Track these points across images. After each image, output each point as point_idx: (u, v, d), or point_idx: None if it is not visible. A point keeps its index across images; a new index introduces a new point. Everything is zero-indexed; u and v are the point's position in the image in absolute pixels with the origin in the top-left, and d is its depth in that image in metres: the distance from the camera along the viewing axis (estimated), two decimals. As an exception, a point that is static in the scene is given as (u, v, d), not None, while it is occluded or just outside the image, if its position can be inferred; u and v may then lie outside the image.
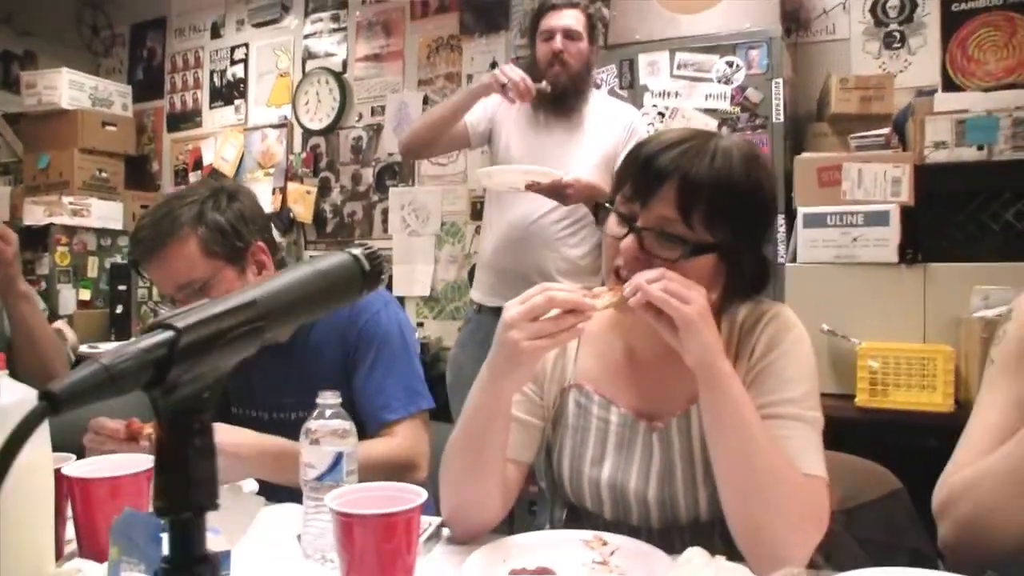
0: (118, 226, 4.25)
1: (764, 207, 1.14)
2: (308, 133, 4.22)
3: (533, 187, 2.29)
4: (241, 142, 4.40)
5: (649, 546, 1.08)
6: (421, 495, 0.99)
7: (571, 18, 2.47)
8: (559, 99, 2.48)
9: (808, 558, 1.02)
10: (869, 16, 3.13)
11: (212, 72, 4.56)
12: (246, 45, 4.45)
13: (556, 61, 2.44)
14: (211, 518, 0.53)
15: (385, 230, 4.02)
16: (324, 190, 4.19)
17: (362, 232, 4.11)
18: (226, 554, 0.86)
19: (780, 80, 2.74)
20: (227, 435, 1.30)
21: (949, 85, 3.00)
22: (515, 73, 2.34)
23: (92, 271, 4.12)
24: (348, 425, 1.14)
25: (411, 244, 3.91)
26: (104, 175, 4.28)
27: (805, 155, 2.68)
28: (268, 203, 4.25)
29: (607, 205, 1.14)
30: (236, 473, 1.29)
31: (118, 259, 4.22)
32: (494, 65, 3.53)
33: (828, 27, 3.19)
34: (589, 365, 1.25)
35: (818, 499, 1.04)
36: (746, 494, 1.02)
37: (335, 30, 4.19)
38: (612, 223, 1.13)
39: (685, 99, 2.87)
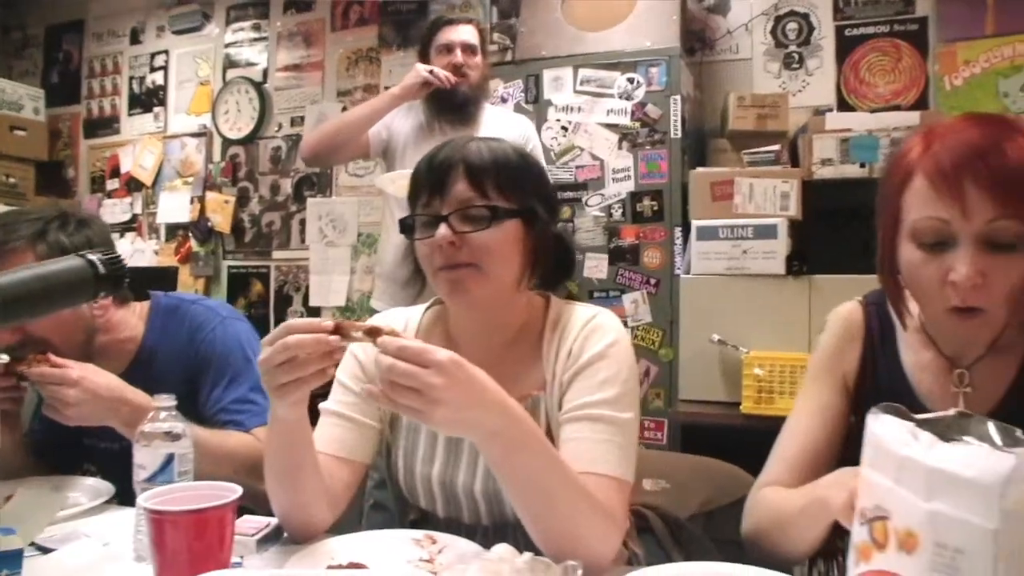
0: (28, 233, 4.13)
1: (544, 180, 1.23)
2: (227, 142, 4.18)
3: None
4: (160, 150, 4.34)
5: (477, 546, 1.09)
6: (235, 492, 0.98)
7: (468, 33, 2.53)
8: (459, 109, 2.51)
9: (613, 555, 1.05)
10: (770, 37, 3.25)
11: (131, 78, 4.49)
12: (166, 52, 4.40)
13: (457, 74, 2.48)
14: (6, 517, 0.53)
15: (303, 240, 4.00)
16: (243, 200, 4.16)
17: (280, 242, 4.08)
18: (16, 553, 0.86)
19: (678, 97, 2.82)
20: (92, 374, 1.31)
21: (843, 105, 3.13)
22: (439, 71, 2.44)
23: (0, 279, 4.01)
24: (181, 427, 1.14)
25: (328, 254, 3.91)
26: (12, 181, 4.17)
27: (700, 170, 2.76)
28: (187, 212, 4.20)
29: (409, 221, 1.18)
30: (90, 413, 1.29)
31: (28, 267, 4.11)
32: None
33: (732, 47, 3.29)
34: None
35: (612, 500, 1.06)
36: (538, 516, 1.03)
37: (256, 39, 4.17)
38: (421, 232, 1.16)
39: (588, 114, 2.93)
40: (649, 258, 2.84)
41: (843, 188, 2.63)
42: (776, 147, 2.72)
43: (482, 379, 0.95)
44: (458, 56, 2.49)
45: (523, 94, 3.04)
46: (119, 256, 0.66)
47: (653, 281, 2.83)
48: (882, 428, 0.61)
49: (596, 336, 1.18)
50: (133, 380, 1.45)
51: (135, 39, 4.49)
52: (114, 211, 4.42)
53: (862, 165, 2.63)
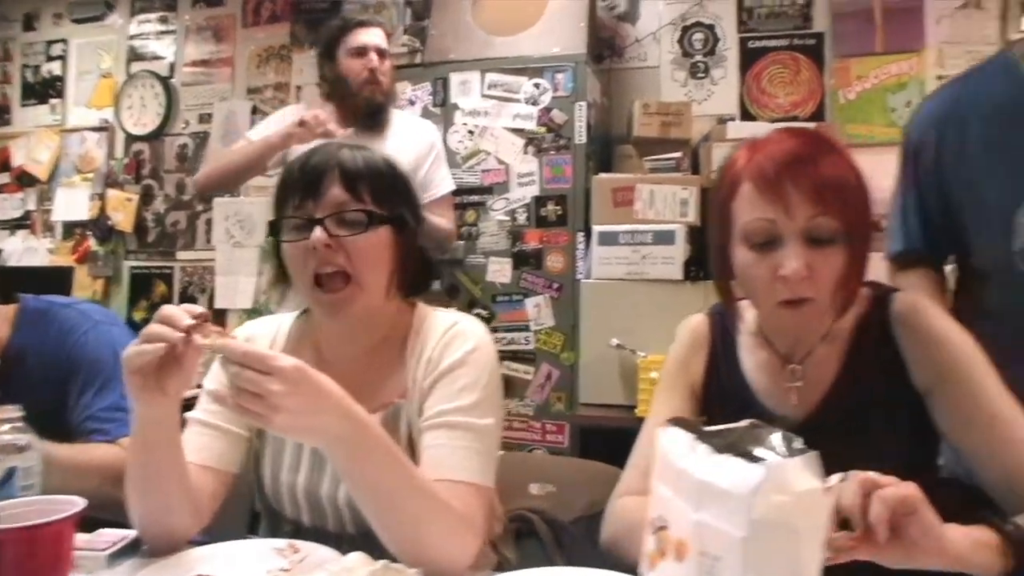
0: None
1: (411, 189, 1.26)
2: (131, 138, 4.04)
3: None
4: (57, 144, 4.17)
5: (339, 554, 1.07)
6: (74, 506, 0.94)
7: (379, 36, 2.48)
8: (371, 116, 2.47)
9: (469, 560, 1.05)
10: (677, 47, 3.31)
11: (24, 67, 4.29)
12: (64, 41, 4.22)
13: (371, 79, 2.43)
14: None
15: (209, 241, 3.89)
16: (147, 198, 4.02)
17: (185, 242, 3.96)
18: None
19: (584, 103, 2.84)
20: None
21: (746, 114, 3.21)
22: (320, 115, 2.32)
23: None
24: (25, 440, 1.09)
25: (235, 256, 3.80)
26: None
27: (602, 176, 2.79)
28: (86, 210, 4.04)
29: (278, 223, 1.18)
30: None
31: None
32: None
33: (641, 55, 3.34)
34: None
35: (470, 506, 1.07)
36: (386, 522, 1.02)
37: (163, 32, 4.04)
38: (293, 235, 1.15)
39: (494, 118, 2.93)
40: (552, 262, 2.85)
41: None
42: (677, 154, 2.77)
43: (326, 386, 0.94)
44: (374, 60, 2.43)
45: (431, 97, 3.02)
46: None
47: (556, 285, 2.84)
48: (667, 440, 0.61)
49: (456, 343, 1.19)
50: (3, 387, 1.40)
51: (28, 26, 4.30)
52: (3, 207, 4.22)
53: (758, 174, 2.69)
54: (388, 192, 1.18)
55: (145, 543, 1.15)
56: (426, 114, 3.00)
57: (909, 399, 1.05)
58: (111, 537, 1.14)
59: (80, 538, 1.07)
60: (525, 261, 2.89)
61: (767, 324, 1.15)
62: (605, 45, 3.32)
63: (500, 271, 2.91)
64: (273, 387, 0.88)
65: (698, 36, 3.28)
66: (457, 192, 2.91)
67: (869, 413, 1.07)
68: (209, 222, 3.90)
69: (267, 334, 1.31)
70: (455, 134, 2.97)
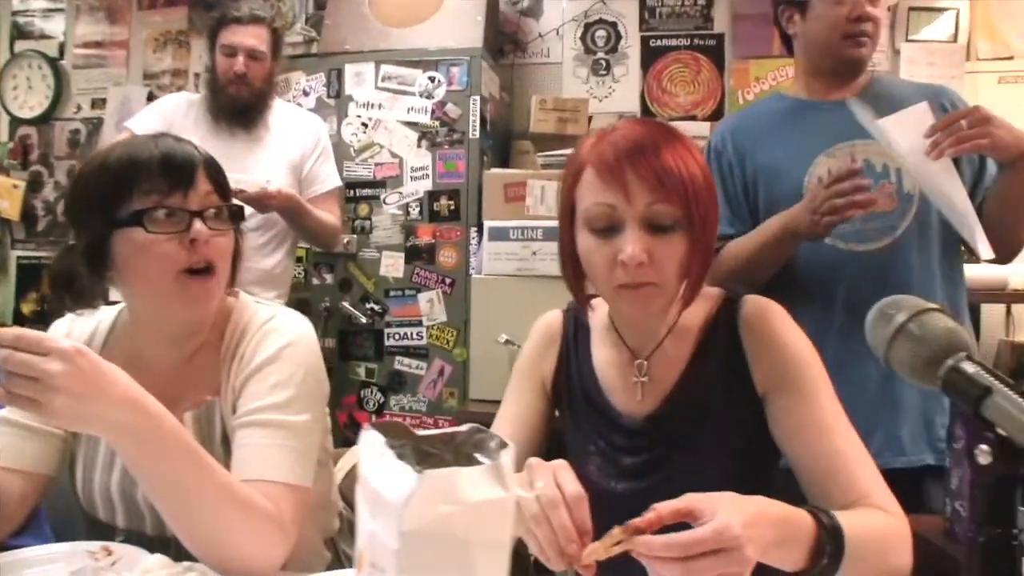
0: None
1: None
2: (17, 122, 3.85)
3: (236, 193, 2.19)
4: (-66, 126, 3.95)
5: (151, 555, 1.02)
6: None
7: (255, 37, 2.36)
8: (238, 115, 2.38)
9: (277, 561, 1.01)
10: (580, 43, 3.30)
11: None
12: (-57, 16, 4.01)
13: (238, 80, 2.34)
14: None
15: (101, 231, 3.74)
16: (35, 185, 3.83)
17: (76, 232, 3.79)
18: None
19: (478, 97, 2.80)
20: None
21: (647, 112, 3.21)
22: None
23: None
24: None
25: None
26: None
27: (493, 171, 2.76)
28: (-30, 196, 3.84)
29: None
30: None
31: None
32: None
33: (543, 51, 3.32)
34: None
35: (281, 506, 1.03)
36: (181, 522, 0.99)
37: (51, 10, 3.86)
38: (161, 225, 1.07)
39: (388, 111, 2.87)
40: (445, 258, 2.81)
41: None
42: (570, 151, 2.74)
43: (110, 372, 0.90)
44: (239, 64, 2.33)
45: (325, 88, 2.94)
46: None
47: (448, 281, 2.80)
48: (363, 444, 0.58)
49: (270, 339, 1.16)
50: None
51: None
52: None
53: (650, 172, 2.70)
54: (227, 186, 1.17)
55: None
56: (320, 105, 2.93)
57: (750, 401, 1.06)
58: None
59: None
60: (418, 256, 2.85)
61: (613, 313, 1.14)
62: (507, 40, 3.29)
63: (393, 265, 2.86)
64: (49, 367, 0.84)
65: (601, 33, 3.28)
66: (350, 185, 2.86)
67: (710, 413, 1.07)
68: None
69: (85, 332, 1.24)
70: (349, 126, 2.91)
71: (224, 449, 1.12)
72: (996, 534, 0.54)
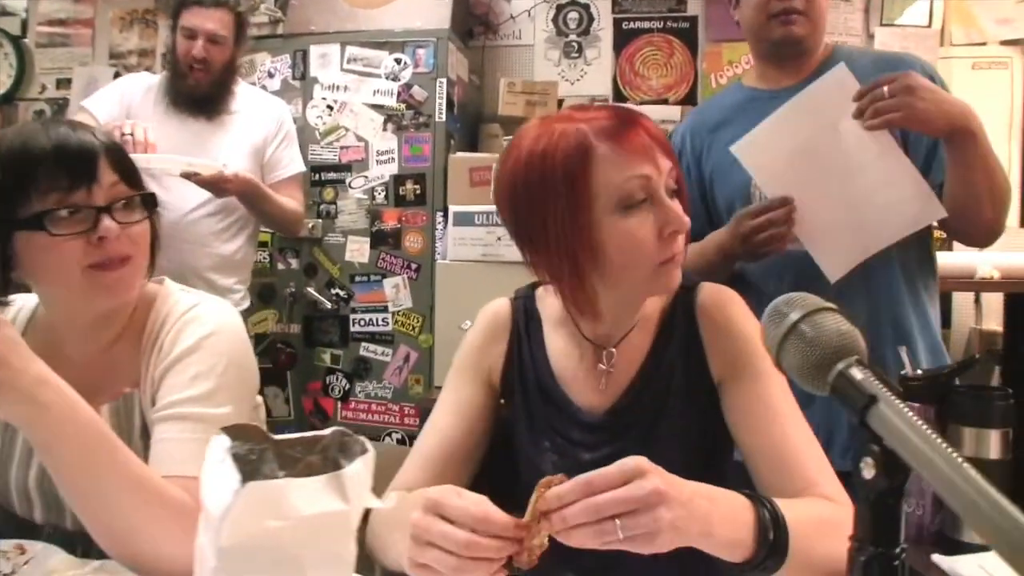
0: None
1: None
2: (-19, 101, 3.78)
3: (191, 176, 2.14)
4: None
5: (67, 555, 0.99)
6: None
7: (217, 21, 2.29)
8: (198, 101, 2.32)
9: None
10: (551, 25, 3.25)
11: None
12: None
13: (197, 64, 2.28)
14: None
15: (67, 213, 3.68)
16: None
17: (43, 214, 3.73)
18: None
19: (444, 80, 2.75)
20: None
21: (619, 96, 3.17)
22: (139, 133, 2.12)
23: None
24: None
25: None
26: None
27: (459, 155, 2.72)
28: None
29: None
30: None
31: None
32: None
33: (515, 32, 3.27)
34: None
35: (198, 502, 0.99)
36: (91, 518, 0.94)
37: (15, -12, 3.78)
38: (65, 226, 1.01)
39: (354, 93, 2.83)
40: (410, 243, 2.77)
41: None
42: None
43: (28, 349, 0.88)
44: (199, 48, 2.26)
45: (290, 70, 2.89)
46: None
47: (414, 266, 2.77)
48: (211, 449, 0.55)
49: (190, 328, 1.11)
50: None
51: None
52: None
53: (618, 157, 2.67)
54: (136, 171, 1.11)
55: None
56: (286, 87, 2.88)
57: (707, 391, 1.04)
58: None
59: None
60: (383, 241, 2.81)
61: (642, 287, 1.04)
62: (478, 21, 3.23)
63: (358, 250, 2.83)
64: None
65: (573, 15, 3.23)
66: (315, 169, 2.82)
67: (668, 404, 1.04)
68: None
69: (7, 315, 1.19)
70: (314, 109, 2.86)
71: (143, 443, 1.08)
72: (878, 553, 0.51)
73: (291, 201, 2.44)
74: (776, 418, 0.97)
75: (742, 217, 1.45)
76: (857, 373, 0.54)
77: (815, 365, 0.57)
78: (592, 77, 3.21)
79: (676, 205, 0.96)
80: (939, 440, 0.47)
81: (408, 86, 2.78)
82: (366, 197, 2.82)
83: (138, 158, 2.26)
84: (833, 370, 0.55)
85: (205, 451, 1.01)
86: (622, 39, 3.19)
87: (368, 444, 0.54)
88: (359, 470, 0.51)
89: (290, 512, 0.47)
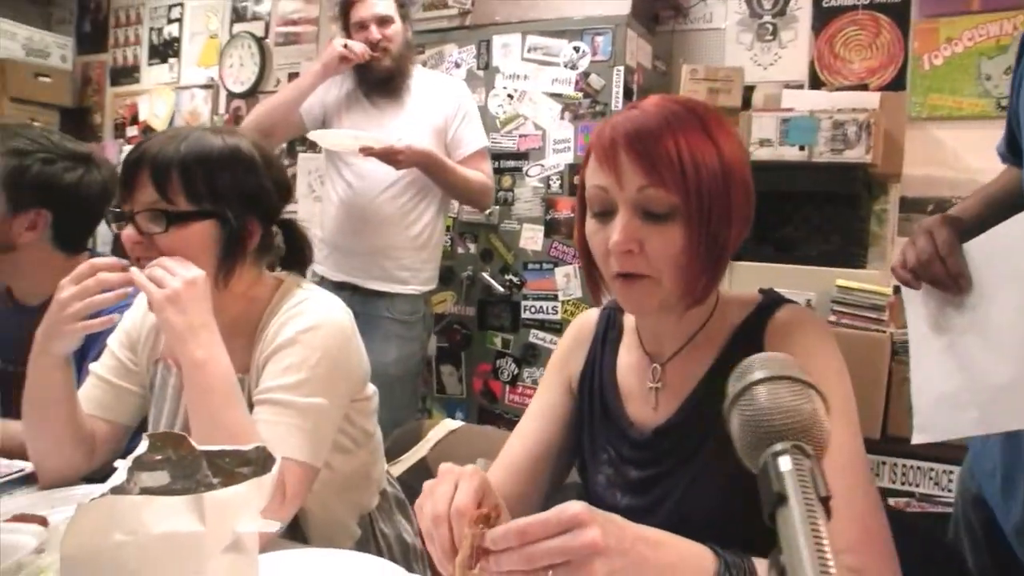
0: (50, 175, 4.41)
1: (248, 178, 1.22)
2: (231, 95, 4.30)
3: (366, 150, 2.35)
4: (172, 100, 4.51)
5: None
6: None
7: (380, 5, 2.48)
8: (385, 82, 2.51)
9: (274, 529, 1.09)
10: (745, 7, 3.08)
11: (151, 30, 4.66)
12: (181, 5, 4.53)
13: (376, 49, 2.46)
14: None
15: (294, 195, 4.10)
16: (242, 152, 4.27)
17: (273, 195, 4.19)
18: None
19: (622, 68, 2.72)
20: None
21: (816, 81, 2.95)
22: (356, 46, 2.43)
23: (21, 217, 4.29)
24: None
25: (316, 210, 3.99)
26: (36, 125, 4.41)
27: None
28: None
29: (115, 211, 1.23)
30: None
31: (48, 207, 4.39)
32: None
33: (705, 15, 3.14)
34: None
35: (282, 479, 1.09)
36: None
37: (262, -7, 4.25)
38: (118, 226, 1.21)
39: (533, 82, 2.87)
40: (580, 233, 2.78)
41: (779, 171, 2.50)
42: (713, 125, 2.59)
43: (206, 301, 1.14)
44: (373, 33, 2.46)
45: (475, 60, 3.00)
46: None
47: (583, 256, 2.77)
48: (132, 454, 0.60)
49: (293, 322, 1.22)
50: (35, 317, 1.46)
51: (155, -10, 4.65)
52: (130, 157, 4.63)
53: (801, 148, 2.49)
54: (204, 187, 1.18)
55: (39, 476, 1.28)
56: (470, 77, 2.99)
57: None
58: (5, 469, 1.27)
59: None
60: (556, 230, 2.84)
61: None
62: (667, 5, 3.14)
63: (532, 238, 2.89)
64: (171, 280, 1.11)
65: (768, -6, 3.04)
66: (495, 157, 2.91)
67: (719, 430, 0.97)
68: (294, 177, 4.10)
69: None
70: (495, 98, 2.95)
71: None
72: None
73: (476, 173, 2.55)
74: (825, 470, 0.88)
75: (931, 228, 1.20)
76: (784, 463, 0.49)
77: (752, 440, 0.52)
78: (787, 61, 3.01)
79: (626, 224, 0.91)
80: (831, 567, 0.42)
81: (585, 74, 2.78)
82: (542, 185, 2.87)
83: (315, 135, 2.51)
84: (767, 451, 0.50)
85: (289, 435, 1.13)
86: (822, 18, 2.95)
87: (276, 467, 0.57)
88: (236, 494, 0.53)
89: (139, 528, 0.49)
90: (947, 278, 1.14)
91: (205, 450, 0.66)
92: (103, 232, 4.42)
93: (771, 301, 1.02)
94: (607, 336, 1.14)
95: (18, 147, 1.52)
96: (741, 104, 2.78)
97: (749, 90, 2.89)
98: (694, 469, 0.98)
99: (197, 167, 1.17)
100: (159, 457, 0.71)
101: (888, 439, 2.13)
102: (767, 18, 3.04)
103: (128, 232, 1.17)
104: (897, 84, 2.82)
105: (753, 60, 3.04)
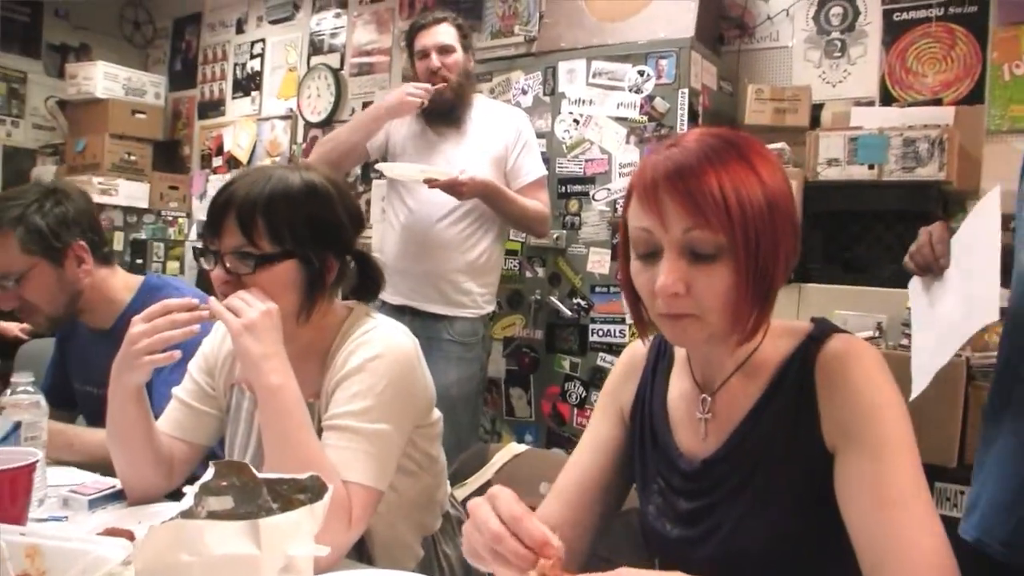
0: (143, 204, 4.69)
1: (324, 215, 1.29)
2: (308, 125, 4.48)
3: (431, 182, 2.43)
4: (254, 131, 4.73)
5: None
6: (31, 458, 1.15)
7: (442, 34, 2.56)
8: (446, 112, 2.58)
9: (341, 549, 1.14)
10: (812, 23, 3.04)
11: (235, 65, 4.91)
12: (263, 40, 4.76)
13: (436, 78, 2.54)
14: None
15: (367, 220, 4.23)
16: (320, 180, 4.44)
17: (349, 221, 4.33)
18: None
19: (686, 90, 2.73)
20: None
21: (887, 97, 2.89)
22: (420, 88, 2.50)
23: (117, 245, 4.56)
24: (30, 400, 1.35)
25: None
26: (132, 158, 4.71)
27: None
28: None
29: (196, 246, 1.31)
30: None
31: (141, 235, 4.65)
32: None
33: (772, 34, 3.12)
34: None
35: (346, 501, 1.15)
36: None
37: (337, 28, 4.42)
38: (207, 263, 1.29)
39: (599, 107, 2.90)
40: (646, 256, 2.78)
41: (849, 191, 2.47)
42: (779, 145, 2.58)
43: (275, 334, 1.20)
44: (434, 61, 2.53)
45: (541, 86, 3.05)
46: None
47: (649, 279, 2.77)
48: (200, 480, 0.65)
49: (361, 350, 1.27)
50: (110, 342, 1.59)
51: (240, 29, 4.90)
52: (217, 186, 4.84)
53: (871, 166, 2.44)
54: (284, 228, 1.24)
55: (126, 493, 1.37)
56: (537, 103, 3.04)
57: (816, 455, 0.93)
58: (99, 485, 1.36)
59: (72, 483, 1.36)
60: (623, 253, 2.85)
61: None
62: (732, 24, 3.13)
63: (599, 262, 2.91)
64: (249, 311, 1.18)
65: (836, 10, 2.99)
66: (561, 182, 2.95)
67: (768, 462, 0.97)
68: (368, 202, 4.23)
69: None
70: (561, 123, 2.99)
71: None
72: None
73: (534, 202, 2.60)
74: (886, 504, 0.85)
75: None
76: None
77: None
78: (856, 77, 2.95)
79: (672, 267, 0.90)
80: None
81: (650, 98, 2.79)
82: (608, 209, 2.89)
83: (382, 167, 2.60)
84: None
85: (355, 460, 1.18)
86: (893, 32, 2.89)
87: (328, 495, 0.61)
88: (289, 520, 0.58)
89: (203, 550, 0.55)
90: (931, 262, 1.50)
91: (265, 477, 0.71)
92: (188, 261, 4.63)
93: (822, 331, 0.99)
94: (658, 365, 1.15)
95: (15, 215, 1.65)
96: (809, 123, 2.76)
97: (817, 108, 2.87)
98: (743, 502, 0.98)
99: (279, 210, 1.24)
100: (224, 483, 0.77)
101: (965, 466, 2.06)
102: (835, 34, 3.00)
103: (217, 273, 1.26)
104: (974, 97, 2.74)
105: (821, 78, 3.00)
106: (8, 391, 1.35)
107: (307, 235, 1.26)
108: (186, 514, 0.64)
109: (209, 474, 0.73)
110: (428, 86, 2.51)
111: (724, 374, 1.03)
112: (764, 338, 1.01)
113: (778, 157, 2.55)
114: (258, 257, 1.23)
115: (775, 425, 0.96)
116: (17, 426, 1.32)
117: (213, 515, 0.74)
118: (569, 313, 2.94)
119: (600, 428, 1.17)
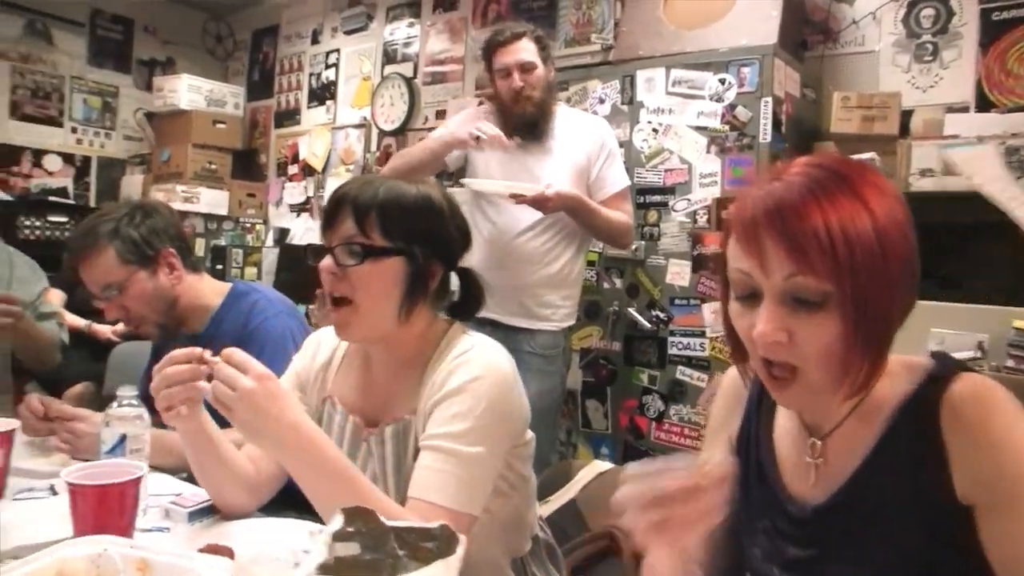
0: (223, 211, 4.83)
1: (434, 222, 1.31)
2: (382, 133, 4.54)
3: (518, 197, 2.43)
4: (329, 140, 4.82)
5: None
6: (140, 470, 1.18)
7: (523, 51, 2.52)
8: (529, 125, 2.57)
9: None
10: (901, 27, 2.94)
11: (311, 75, 5.01)
12: (338, 51, 4.84)
13: (519, 96, 2.52)
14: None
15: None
16: (394, 188, 4.50)
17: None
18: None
19: (769, 99, 2.67)
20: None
21: (983, 102, 2.77)
22: (491, 129, 2.46)
23: (199, 251, 4.71)
24: (135, 413, 1.39)
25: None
26: (213, 167, 4.85)
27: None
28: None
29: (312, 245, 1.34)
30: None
31: (221, 241, 4.79)
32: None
33: (857, 39, 3.03)
34: (341, 376, 1.43)
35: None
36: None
37: (410, 37, 4.47)
38: (315, 259, 1.31)
39: (678, 116, 2.86)
40: (728, 268, 2.73)
41: (943, 203, 2.37)
42: (869, 154, 2.50)
43: (285, 399, 1.14)
44: (516, 80, 2.51)
45: (619, 95, 3.03)
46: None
47: (731, 292, 2.72)
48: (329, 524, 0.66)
49: (461, 370, 1.26)
50: (199, 342, 1.58)
51: (315, 40, 4.99)
52: (292, 193, 4.99)
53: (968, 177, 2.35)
54: (397, 226, 1.27)
55: (219, 510, 1.40)
56: (615, 112, 3.01)
57: (944, 509, 0.86)
58: (198, 498, 1.40)
59: (170, 492, 1.40)
60: (704, 265, 2.81)
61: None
62: (816, 30, 3.05)
63: (679, 274, 2.87)
64: (243, 383, 1.09)
65: (927, 12, 2.88)
66: (640, 192, 2.92)
67: (887, 513, 0.91)
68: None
69: (333, 341, 1.46)
70: (640, 132, 2.96)
71: (415, 465, 1.25)
72: None
73: (619, 214, 2.57)
74: None
75: None
76: None
77: None
78: (949, 82, 2.84)
79: (771, 314, 0.85)
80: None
81: (732, 106, 2.74)
82: (688, 220, 2.85)
83: (469, 183, 2.60)
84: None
85: (447, 484, 1.18)
86: (990, 33, 2.77)
87: (461, 547, 0.62)
88: (433, 573, 0.59)
89: None
90: None
91: (392, 525, 0.72)
92: (266, 266, 4.70)
93: (944, 369, 0.91)
94: (763, 397, 1.09)
95: (110, 229, 1.76)
96: (899, 131, 2.67)
97: (907, 115, 2.78)
98: (858, 557, 0.92)
99: (393, 209, 1.27)
100: (351, 529, 0.78)
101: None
102: (926, 37, 2.89)
103: (326, 263, 1.27)
104: (1080, 100, 2.61)
105: (911, 83, 2.90)
106: (115, 404, 1.39)
107: (416, 237, 1.28)
108: (324, 570, 0.65)
109: (338, 522, 0.74)
110: (497, 132, 2.45)
111: (835, 418, 0.97)
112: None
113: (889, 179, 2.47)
114: (367, 249, 1.25)
115: (894, 474, 0.90)
116: (123, 438, 1.37)
117: (340, 561, 0.75)
118: (648, 325, 2.91)
119: (715, 456, 1.11)
